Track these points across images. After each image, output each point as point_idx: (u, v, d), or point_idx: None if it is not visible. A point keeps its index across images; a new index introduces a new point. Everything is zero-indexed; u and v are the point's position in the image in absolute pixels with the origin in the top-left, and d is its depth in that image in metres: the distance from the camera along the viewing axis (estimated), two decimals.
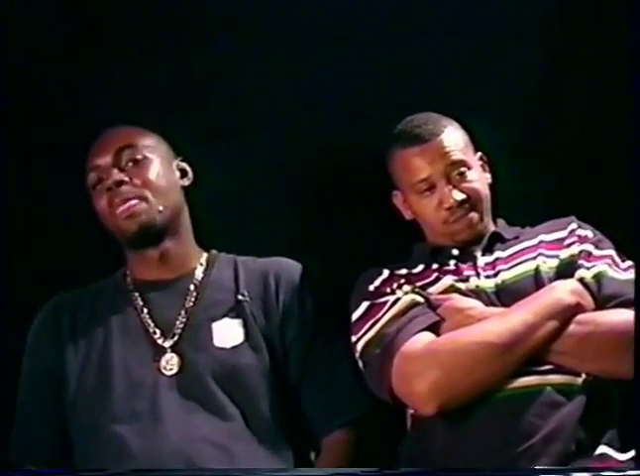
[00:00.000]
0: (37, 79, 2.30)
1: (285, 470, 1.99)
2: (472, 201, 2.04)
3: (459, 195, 2.03)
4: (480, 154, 2.14)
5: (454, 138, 2.07)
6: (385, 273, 2.04)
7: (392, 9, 2.33)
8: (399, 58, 2.34)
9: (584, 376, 1.87)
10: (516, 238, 2.08)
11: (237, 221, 2.28)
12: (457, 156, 2.05)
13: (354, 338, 1.99)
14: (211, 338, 2.03)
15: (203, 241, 2.17)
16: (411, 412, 1.97)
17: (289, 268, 2.12)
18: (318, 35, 2.32)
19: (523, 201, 2.26)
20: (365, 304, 2.00)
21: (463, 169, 2.05)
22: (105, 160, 2.07)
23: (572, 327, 1.88)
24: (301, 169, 2.31)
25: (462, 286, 1.99)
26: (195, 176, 2.16)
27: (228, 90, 2.32)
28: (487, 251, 2.06)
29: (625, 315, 1.87)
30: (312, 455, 2.07)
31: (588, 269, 1.96)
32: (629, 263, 2.00)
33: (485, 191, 2.08)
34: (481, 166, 2.13)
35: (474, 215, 2.04)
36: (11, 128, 2.18)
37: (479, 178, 2.07)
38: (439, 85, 2.32)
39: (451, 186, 2.03)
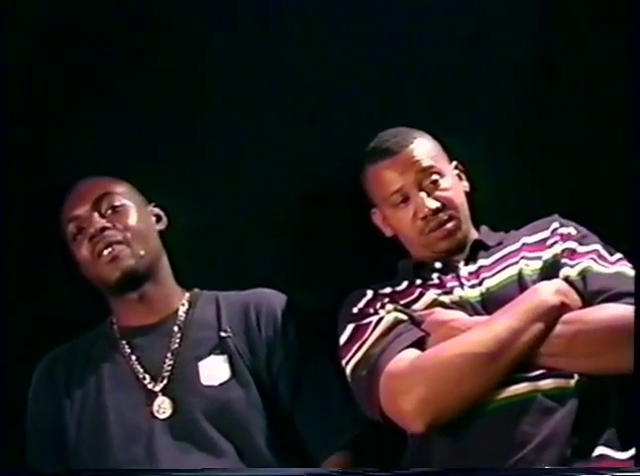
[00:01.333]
0: None
1: (290, 469, 2.00)
2: (447, 209, 2.03)
3: (433, 203, 2.02)
4: (455, 163, 2.13)
5: (423, 147, 2.07)
6: (369, 293, 2.03)
7: (366, 24, 2.33)
8: (372, 75, 2.34)
9: (576, 377, 1.84)
10: (500, 244, 2.06)
11: (218, 257, 2.28)
12: (427, 163, 2.05)
13: (343, 362, 1.98)
14: (199, 377, 2.04)
15: (185, 281, 2.18)
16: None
17: (269, 298, 2.13)
18: (291, 56, 2.32)
19: (506, 207, 2.24)
20: (350, 327, 1.99)
21: (435, 176, 2.04)
22: (84, 209, 2.10)
23: (559, 328, 1.85)
24: (279, 197, 2.31)
25: (445, 298, 1.97)
26: (169, 218, 2.18)
27: (196, 125, 2.33)
28: (471, 260, 2.05)
29: (611, 310, 1.85)
30: None
31: (573, 267, 1.93)
32: (618, 255, 1.97)
33: (461, 199, 2.07)
34: (457, 175, 2.12)
35: (450, 224, 2.03)
36: None
37: (453, 186, 2.06)
38: (413, 99, 2.31)
39: (424, 195, 2.03)
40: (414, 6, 2.32)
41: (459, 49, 2.30)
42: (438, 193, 2.03)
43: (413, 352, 1.89)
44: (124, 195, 2.13)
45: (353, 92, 2.32)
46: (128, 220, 2.10)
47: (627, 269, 1.94)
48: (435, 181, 2.04)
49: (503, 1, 2.33)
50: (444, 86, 2.32)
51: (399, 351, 1.89)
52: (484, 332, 1.85)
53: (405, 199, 2.04)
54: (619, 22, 2.21)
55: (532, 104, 2.35)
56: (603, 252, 1.97)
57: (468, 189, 2.12)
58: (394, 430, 1.94)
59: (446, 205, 2.03)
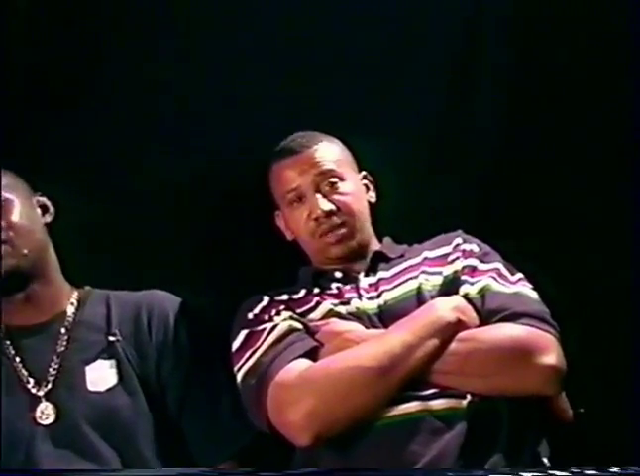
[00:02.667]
0: None
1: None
2: (341, 214, 2.02)
3: (326, 205, 2.01)
4: (364, 173, 2.12)
5: (327, 150, 2.06)
6: (265, 300, 2.01)
7: (285, 22, 2.32)
8: (289, 77, 2.32)
9: (468, 397, 1.82)
10: (402, 256, 2.05)
11: (110, 253, 2.24)
12: (327, 166, 2.04)
13: (235, 368, 1.95)
14: (85, 382, 1.99)
15: (74, 278, 2.12)
16: None
17: (162, 300, 2.08)
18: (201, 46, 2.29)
19: (412, 218, 2.24)
20: (243, 333, 1.96)
21: (334, 179, 2.03)
22: None
23: (453, 345, 1.84)
24: (180, 194, 2.28)
25: (342, 309, 1.95)
26: (57, 209, 2.10)
27: (91, 113, 2.28)
28: (371, 271, 2.03)
29: (507, 330, 1.84)
30: None
31: (472, 284, 1.92)
32: (519, 275, 1.97)
33: (360, 208, 2.06)
34: (365, 185, 2.12)
35: (343, 230, 2.02)
36: None
37: (353, 193, 2.05)
38: (327, 104, 2.30)
39: (320, 197, 2.02)
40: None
41: (378, 53, 2.30)
42: (334, 197, 2.02)
43: (304, 362, 1.87)
44: (6, 188, 2.04)
45: (265, 94, 2.30)
46: (10, 217, 2.02)
47: (527, 289, 1.94)
48: (333, 184, 2.03)
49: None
50: (363, 94, 2.32)
51: (290, 361, 1.86)
52: (378, 346, 1.83)
53: (301, 199, 2.03)
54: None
55: (450, 116, 2.36)
56: (504, 271, 1.96)
57: (373, 200, 2.11)
58: (282, 442, 1.92)
59: (340, 210, 2.02)
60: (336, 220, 2.01)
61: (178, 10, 2.26)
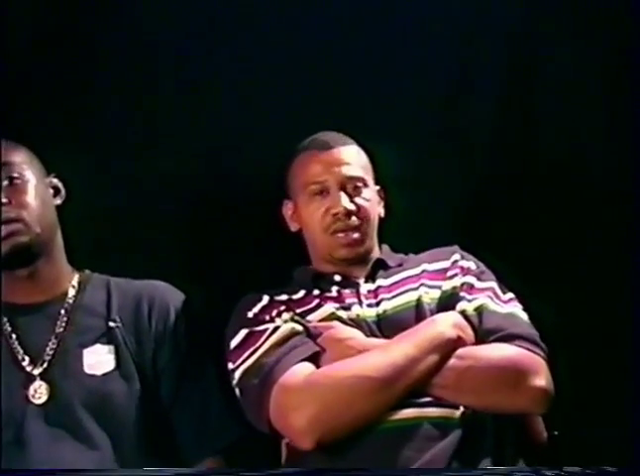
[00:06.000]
0: None
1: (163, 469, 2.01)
2: (359, 218, 2.11)
3: (349, 205, 2.10)
4: (378, 187, 2.21)
5: (358, 154, 2.16)
6: (265, 299, 2.08)
7: (298, 26, 2.40)
8: (304, 77, 2.41)
9: (462, 409, 1.94)
10: (399, 266, 2.15)
11: (112, 240, 2.30)
12: (356, 168, 2.13)
13: (231, 366, 2.03)
14: (82, 365, 2.05)
15: (75, 260, 2.18)
16: (286, 441, 2.02)
17: (163, 292, 2.15)
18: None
19: (411, 228, 2.33)
20: (243, 332, 2.04)
21: (359, 183, 2.13)
22: None
23: (452, 361, 1.95)
24: (188, 187, 2.35)
25: (343, 314, 2.04)
26: (67, 192, 2.16)
27: (107, 101, 2.34)
28: (370, 278, 2.12)
29: (504, 351, 1.96)
30: None
31: (470, 301, 2.04)
32: (510, 295, 2.10)
33: (374, 216, 2.15)
34: (378, 196, 2.20)
35: (356, 234, 2.11)
36: None
37: (371, 200, 2.14)
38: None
39: (344, 195, 2.10)
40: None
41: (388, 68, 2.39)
42: (357, 199, 2.11)
43: (308, 367, 1.96)
44: (23, 166, 2.09)
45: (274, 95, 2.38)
46: (26, 196, 2.07)
47: (519, 310, 2.07)
48: (357, 188, 2.12)
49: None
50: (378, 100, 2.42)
51: (294, 364, 1.95)
52: (382, 357, 1.93)
53: (323, 192, 2.11)
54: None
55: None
56: (498, 290, 2.09)
57: (382, 215, 2.20)
58: (271, 439, 2.02)
59: (360, 213, 2.11)
60: (353, 221, 2.10)
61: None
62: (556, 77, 2.45)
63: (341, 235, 2.10)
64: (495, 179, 2.44)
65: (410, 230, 2.32)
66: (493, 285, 2.09)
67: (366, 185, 2.14)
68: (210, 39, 2.35)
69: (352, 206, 2.10)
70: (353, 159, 2.14)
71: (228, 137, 2.36)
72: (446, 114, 2.46)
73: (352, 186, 2.12)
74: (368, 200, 2.13)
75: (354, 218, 2.10)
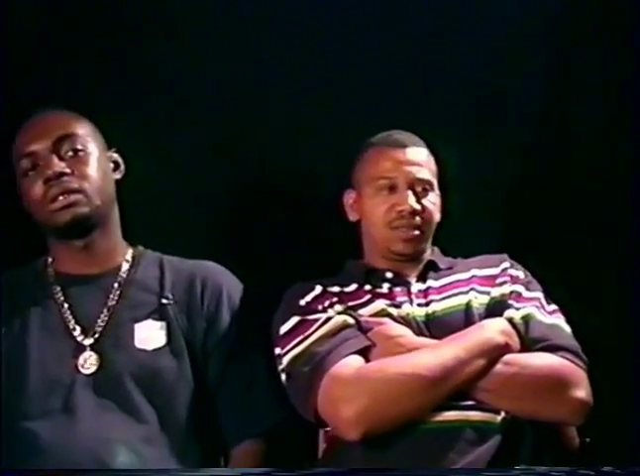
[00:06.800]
0: None
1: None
2: (423, 218, 2.16)
3: (416, 204, 2.15)
4: (439, 192, 2.26)
5: (428, 158, 2.22)
6: (318, 289, 2.13)
7: (361, 24, 2.45)
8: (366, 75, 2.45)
9: (503, 414, 1.99)
10: (449, 269, 2.20)
11: (166, 219, 2.33)
12: (426, 174, 2.19)
13: (279, 351, 2.08)
14: (132, 339, 2.08)
15: (128, 236, 2.21)
16: (326, 431, 2.08)
17: (217, 273, 2.18)
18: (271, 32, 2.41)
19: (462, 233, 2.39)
20: (294, 319, 2.08)
21: (427, 187, 2.19)
22: (43, 147, 2.09)
23: (498, 367, 2.00)
24: (234, 173, 2.39)
25: (394, 311, 2.09)
26: (126, 168, 2.20)
27: (166, 85, 2.39)
28: (421, 278, 2.18)
29: (550, 360, 2.02)
30: (221, 461, 2.14)
31: (518, 309, 2.09)
32: (554, 307, 2.15)
33: (436, 220, 2.21)
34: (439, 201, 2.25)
35: (417, 232, 2.16)
36: None
37: (435, 204, 2.20)
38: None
39: (412, 194, 2.15)
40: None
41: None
42: (423, 201, 2.17)
43: (358, 359, 2.00)
44: (86, 138, 2.13)
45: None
46: (88, 168, 2.11)
47: (562, 322, 2.13)
48: (425, 191, 2.18)
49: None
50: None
51: (345, 356, 2.00)
52: (432, 357, 1.98)
53: (392, 188, 2.16)
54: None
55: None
56: (544, 301, 2.14)
57: (439, 220, 2.24)
58: (312, 427, 2.07)
59: (424, 214, 2.17)
60: (417, 221, 2.16)
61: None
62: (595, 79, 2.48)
63: (402, 230, 2.15)
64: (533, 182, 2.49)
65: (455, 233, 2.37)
66: (540, 295, 2.15)
67: (432, 189, 2.20)
68: (280, 36, 2.39)
69: (418, 206, 2.16)
70: (424, 161, 2.20)
71: (291, 126, 2.40)
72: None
73: (420, 188, 2.17)
74: (432, 203, 2.19)
75: (417, 218, 2.16)
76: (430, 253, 2.23)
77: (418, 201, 2.16)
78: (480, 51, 2.48)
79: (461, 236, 2.38)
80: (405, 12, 2.46)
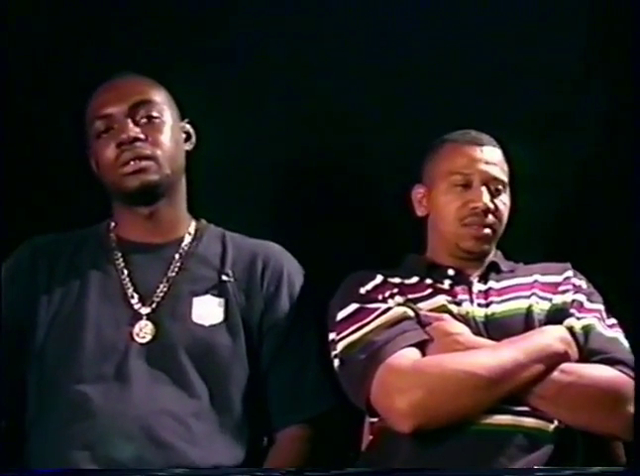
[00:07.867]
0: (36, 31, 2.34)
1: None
2: (494, 217, 2.17)
3: (490, 203, 2.16)
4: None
5: (502, 159, 2.22)
6: (379, 278, 2.13)
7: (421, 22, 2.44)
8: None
9: (556, 423, 1.98)
10: (511, 272, 2.20)
11: (229, 195, 2.34)
12: (501, 174, 2.20)
13: (334, 336, 2.08)
14: (190, 313, 2.08)
15: (192, 208, 2.22)
16: (373, 422, 2.07)
17: (278, 255, 2.18)
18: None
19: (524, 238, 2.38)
20: (353, 306, 2.08)
21: (500, 186, 2.19)
22: (119, 110, 2.10)
23: (555, 374, 2.00)
24: (304, 158, 2.40)
25: (454, 308, 2.09)
26: (197, 141, 2.21)
27: (240, 63, 2.40)
28: (483, 279, 2.18)
29: (608, 372, 2.01)
30: (265, 441, 2.13)
31: (579, 319, 2.09)
32: (613, 321, 2.15)
33: (505, 220, 2.21)
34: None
35: (488, 230, 2.17)
36: None
37: (507, 205, 2.21)
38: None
39: (486, 192, 2.16)
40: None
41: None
42: (496, 200, 2.18)
43: (416, 352, 2.01)
44: (162, 106, 2.13)
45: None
46: (161, 136, 2.11)
47: (621, 336, 2.12)
48: (499, 190, 2.19)
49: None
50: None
51: (403, 347, 2.00)
52: (491, 357, 1.98)
53: (466, 185, 2.17)
54: None
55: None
56: (604, 314, 2.14)
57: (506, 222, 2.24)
58: (357, 417, 2.07)
59: (496, 213, 2.17)
60: (489, 220, 2.16)
61: None
62: None
63: (474, 228, 2.16)
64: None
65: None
66: (601, 307, 2.14)
67: (505, 190, 2.21)
68: (358, 25, 2.39)
69: (491, 205, 2.16)
70: (499, 161, 2.21)
71: (359, 120, 2.41)
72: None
73: (494, 187, 2.18)
74: (504, 204, 2.20)
75: (490, 217, 2.16)
76: (493, 254, 2.23)
77: (492, 200, 2.17)
78: (554, 53, 2.46)
79: (523, 240, 2.38)
80: (484, 11, 2.45)
